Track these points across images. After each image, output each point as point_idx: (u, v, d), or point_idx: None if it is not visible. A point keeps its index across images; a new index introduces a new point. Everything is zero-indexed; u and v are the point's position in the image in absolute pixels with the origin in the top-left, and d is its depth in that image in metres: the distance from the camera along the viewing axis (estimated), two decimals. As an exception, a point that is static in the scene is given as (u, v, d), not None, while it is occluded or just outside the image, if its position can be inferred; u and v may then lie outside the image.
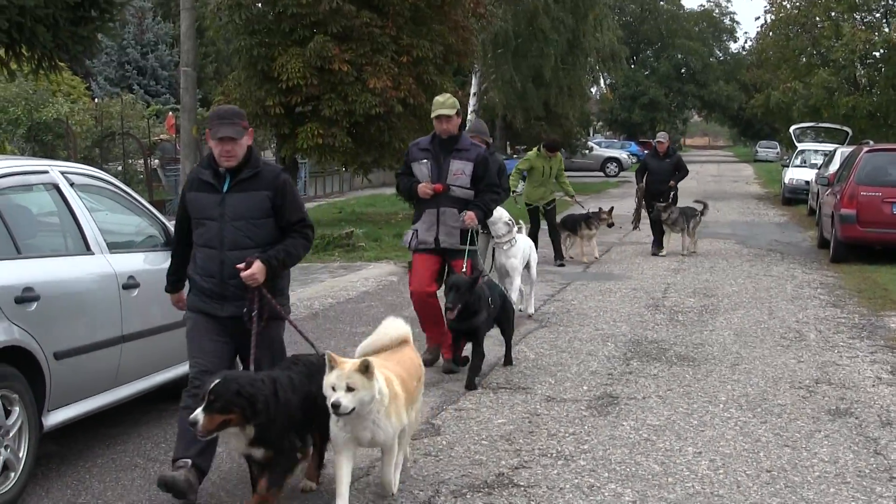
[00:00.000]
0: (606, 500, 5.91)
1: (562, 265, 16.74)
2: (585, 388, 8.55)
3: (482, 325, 8.64)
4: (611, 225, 18.14)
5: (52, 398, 6.07)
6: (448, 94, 9.28)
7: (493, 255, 11.71)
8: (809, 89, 34.52)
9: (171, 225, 7.76)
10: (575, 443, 7.01)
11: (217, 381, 5.27)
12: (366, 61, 20.64)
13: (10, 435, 5.72)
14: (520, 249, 11.48)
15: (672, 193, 18.51)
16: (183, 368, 7.59)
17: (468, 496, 5.96)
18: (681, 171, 18.81)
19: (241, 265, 5.77)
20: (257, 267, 5.77)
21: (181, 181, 20.04)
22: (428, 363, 8.66)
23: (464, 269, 8.76)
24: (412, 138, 23.12)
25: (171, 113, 29.77)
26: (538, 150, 16.92)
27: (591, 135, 67.71)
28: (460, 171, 8.85)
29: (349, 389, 5.20)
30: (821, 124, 34.79)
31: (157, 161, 25.89)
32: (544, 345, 10.30)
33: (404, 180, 9.19)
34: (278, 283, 6.12)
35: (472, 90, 37.39)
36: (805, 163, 31.92)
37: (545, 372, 9.11)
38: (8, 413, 5.71)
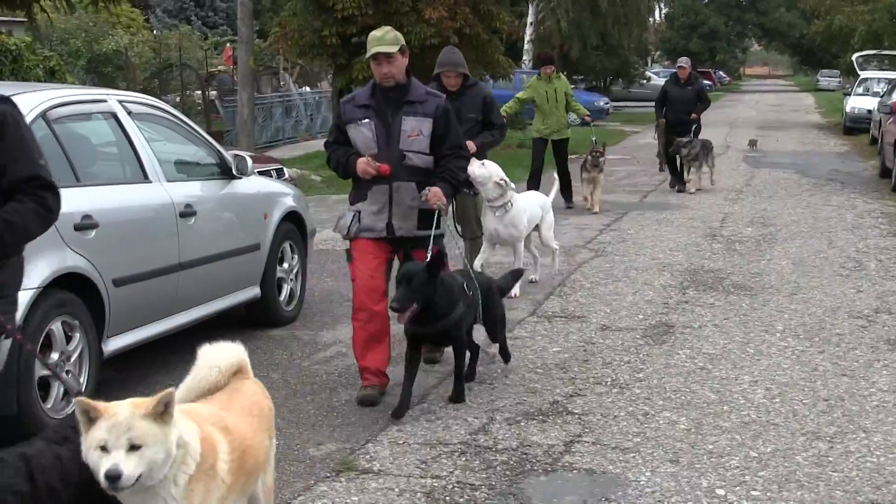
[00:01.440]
0: (661, 427, 5.91)
1: (570, 207, 15.20)
2: (641, 316, 8.52)
3: (457, 324, 6.26)
4: (597, 165, 14.89)
5: (111, 325, 6.16)
6: (387, 28, 6.82)
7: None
8: (874, 14, 33.71)
9: (228, 155, 7.82)
10: (630, 371, 7.01)
11: None
12: (421, -9, 20.48)
13: (72, 360, 5.82)
14: (519, 214, 9.19)
15: (695, 126, 17.23)
16: (239, 296, 7.70)
17: (522, 423, 5.99)
18: (703, 101, 17.45)
19: None
20: None
21: (238, 113, 20.12)
22: (366, 402, 6.37)
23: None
24: (470, 69, 23.18)
25: (228, 44, 29.82)
26: (538, 74, 15.17)
27: (650, 65, 66.82)
28: (416, 131, 6.45)
29: (133, 447, 3.23)
30: (884, 51, 34.01)
31: (214, 92, 25.98)
32: (599, 273, 10.27)
33: (336, 152, 6.62)
34: None
35: (529, 20, 37.04)
36: (867, 91, 31.27)
37: (600, 301, 9.09)
38: (69, 339, 5.81)
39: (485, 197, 8.97)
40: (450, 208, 7.54)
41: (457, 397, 6.35)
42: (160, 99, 8.25)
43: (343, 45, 21.01)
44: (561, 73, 14.80)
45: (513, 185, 9.08)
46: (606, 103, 37.53)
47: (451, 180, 6.58)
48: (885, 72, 33.04)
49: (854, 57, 34.26)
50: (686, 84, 17.16)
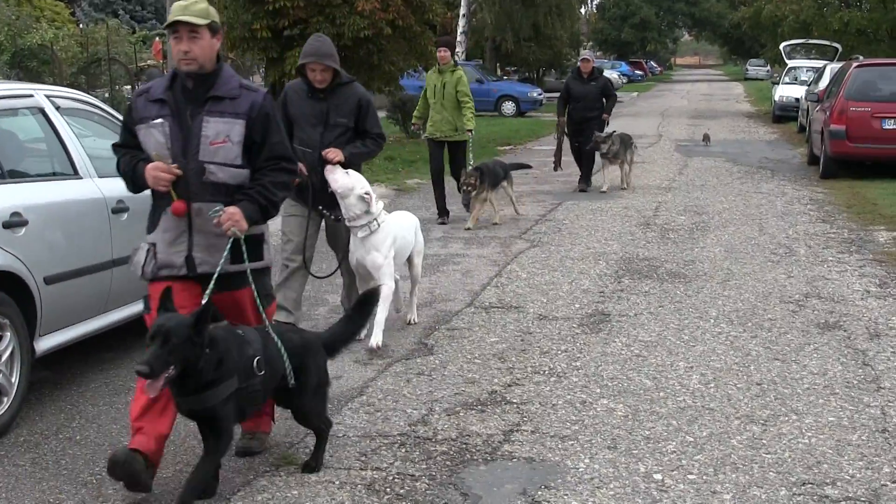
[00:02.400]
0: (599, 415, 5.96)
1: (442, 223, 13.13)
2: (577, 305, 8.58)
3: (223, 405, 4.66)
4: (469, 190, 12.66)
5: (43, 323, 6.06)
6: None
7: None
8: (801, 3, 34.20)
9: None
10: (567, 360, 7.05)
11: None
12: (353, -18, 20.41)
13: (2, 360, 5.71)
14: (384, 237, 7.44)
15: (612, 131, 15.89)
16: (175, 292, 7.62)
17: (461, 414, 6.00)
18: (609, 98, 16.07)
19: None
20: None
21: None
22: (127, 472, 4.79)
23: (257, 305, 5.12)
24: (402, 61, 23.27)
25: (157, 38, 29.49)
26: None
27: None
28: (221, 136, 4.98)
29: None
30: (811, 41, 34.54)
31: (143, 87, 25.65)
32: (536, 264, 10.32)
33: (125, 157, 5.17)
34: None
35: (462, 11, 37.08)
36: (795, 80, 31.79)
37: (537, 290, 9.14)
38: None
39: (345, 214, 7.31)
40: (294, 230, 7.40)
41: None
42: (89, 94, 8.11)
43: (274, 38, 20.91)
44: (459, 66, 13.15)
45: (381, 203, 7.49)
46: (540, 94, 37.73)
47: (259, 199, 5.01)
48: (812, 61, 33.58)
49: (782, 46, 34.72)
50: (590, 79, 15.76)
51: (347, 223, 7.36)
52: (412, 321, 8.08)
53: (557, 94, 17.36)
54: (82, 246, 6.44)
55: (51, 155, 6.62)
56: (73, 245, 6.35)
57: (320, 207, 7.44)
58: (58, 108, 6.70)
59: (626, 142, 16.08)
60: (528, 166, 15.62)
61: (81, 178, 6.60)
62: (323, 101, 7.34)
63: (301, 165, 6.85)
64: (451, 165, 13.48)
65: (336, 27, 20.41)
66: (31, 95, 6.61)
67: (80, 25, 32.24)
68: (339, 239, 7.79)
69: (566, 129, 16.21)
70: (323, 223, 7.73)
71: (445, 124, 12.96)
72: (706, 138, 24.06)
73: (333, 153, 7.21)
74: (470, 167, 12.87)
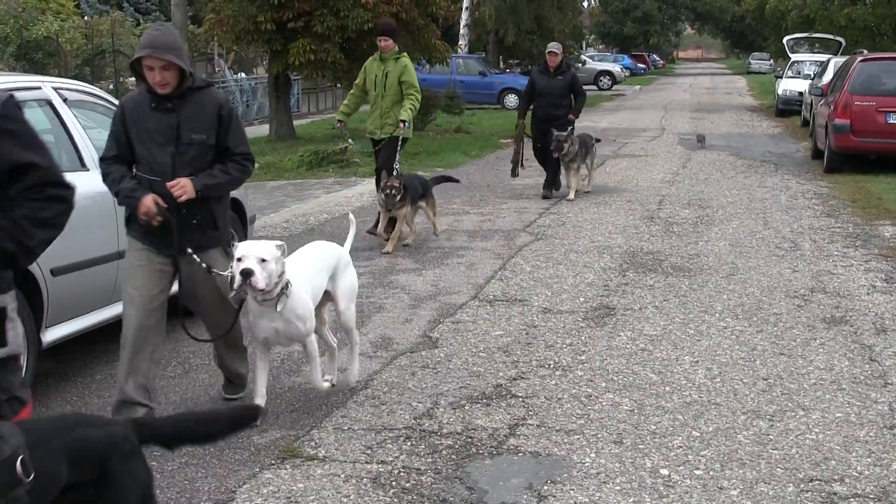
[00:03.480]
0: (604, 409, 5.95)
1: (371, 233, 11.39)
2: (582, 299, 8.57)
3: None
4: (393, 194, 10.66)
5: (49, 315, 6.07)
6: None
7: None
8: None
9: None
10: (572, 354, 7.05)
11: None
12: (357, -25, 20.39)
13: (10, 351, 5.71)
14: (302, 294, 5.67)
15: (570, 129, 14.35)
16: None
17: (466, 407, 6.00)
18: (578, 94, 14.64)
19: None
20: None
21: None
22: None
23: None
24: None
25: (160, 30, 29.42)
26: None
27: (584, 48, 67.17)
28: None
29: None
30: (814, 34, 34.48)
31: (147, 79, 25.61)
32: (540, 257, 10.31)
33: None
34: None
35: (465, 4, 37.05)
36: (798, 74, 31.69)
37: (541, 284, 9.13)
38: (6, 330, 5.70)
39: (251, 294, 5.45)
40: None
41: None
42: (93, 86, 8.09)
43: (278, 30, 20.91)
44: (404, 53, 11.41)
45: (286, 267, 5.49)
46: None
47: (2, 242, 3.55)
48: (816, 55, 33.49)
49: (785, 40, 34.67)
50: (557, 73, 14.44)
51: (258, 301, 5.50)
52: (351, 384, 6.31)
53: None
54: (89, 238, 6.44)
55: (58, 147, 6.60)
56: (80, 237, 6.33)
57: (189, 251, 5.63)
58: (65, 100, 6.71)
59: (586, 143, 14.70)
60: (455, 180, 12.91)
61: (88, 170, 6.60)
62: (171, 112, 5.52)
63: (153, 198, 5.44)
64: (377, 162, 11.65)
65: (340, 20, 20.43)
66: (39, 87, 6.60)
67: (85, 17, 32.19)
68: (204, 297, 5.91)
69: (527, 131, 14.86)
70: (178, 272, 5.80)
71: (387, 120, 11.23)
72: (701, 139, 22.20)
73: (180, 188, 5.46)
74: (395, 171, 11.06)
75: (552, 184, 14.77)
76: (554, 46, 14.72)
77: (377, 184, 11.29)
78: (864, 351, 7.04)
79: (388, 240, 10.86)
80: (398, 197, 10.61)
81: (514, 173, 15.09)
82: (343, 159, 18.37)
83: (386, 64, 11.23)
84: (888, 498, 4.74)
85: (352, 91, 11.82)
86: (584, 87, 15.52)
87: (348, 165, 18.15)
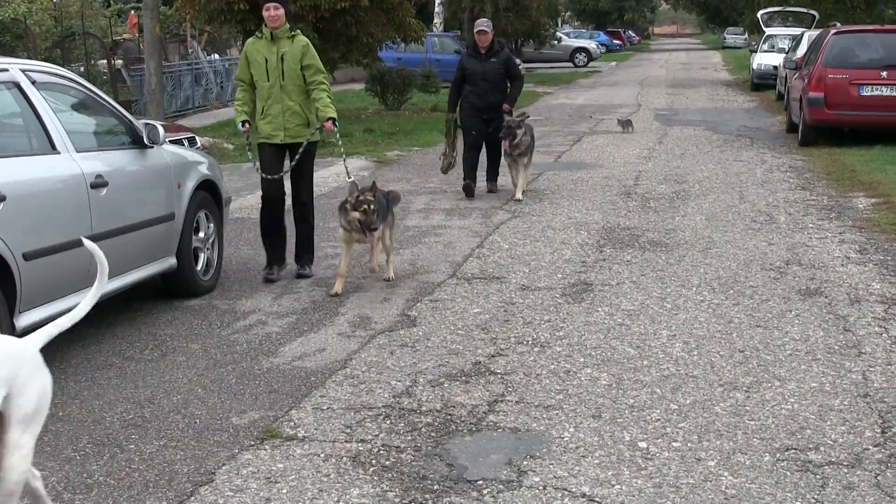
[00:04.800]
0: (583, 384, 5.97)
1: (270, 278, 8.63)
2: (560, 275, 8.58)
3: None
4: (371, 212, 8.01)
5: (23, 299, 6.02)
6: None
7: None
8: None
9: (138, 124, 7.66)
10: (550, 330, 7.06)
11: None
12: (330, -47, 20.25)
13: (-16, 337, 5.68)
14: None
15: (523, 114, 12.98)
16: (154, 267, 7.59)
17: (446, 385, 6.00)
18: (514, 79, 12.75)
19: None
20: None
21: (146, 81, 19.77)
22: None
23: None
24: (380, 32, 23.11)
25: (132, 12, 29.22)
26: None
27: (560, 25, 67.08)
28: None
29: None
30: (788, 8, 34.55)
31: (120, 61, 25.46)
32: (517, 234, 10.32)
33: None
34: None
35: (439, -19, 36.89)
36: (773, 48, 31.79)
37: (519, 261, 9.13)
38: (-20, 315, 5.67)
39: None
40: None
41: None
42: (64, 69, 7.99)
43: (251, 10, 20.71)
44: (298, 30, 8.67)
45: None
46: (518, 64, 37.64)
47: None
48: (790, 28, 33.57)
49: (759, 14, 34.73)
50: (489, 55, 12.51)
51: None
52: None
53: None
54: (61, 221, 6.38)
55: (27, 130, 6.54)
56: (52, 220, 6.30)
57: None
58: (34, 82, 6.62)
59: (532, 135, 12.84)
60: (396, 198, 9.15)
61: (59, 153, 6.54)
62: None
63: None
64: (294, 183, 8.73)
65: (313, -1, 20.31)
66: (7, 70, 6.52)
67: (54, -1, 31.93)
68: None
69: (458, 122, 12.78)
70: None
71: (292, 118, 8.55)
72: (627, 125, 20.16)
73: None
74: (351, 181, 8.38)
75: (493, 176, 13.09)
76: (483, 24, 12.61)
77: (265, 217, 8.76)
78: (839, 321, 7.09)
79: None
80: (374, 213, 8.04)
81: (447, 167, 13.11)
82: (319, 140, 18.29)
83: (278, 44, 8.46)
84: (861, 465, 4.77)
85: (240, 87, 8.72)
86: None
87: (324, 145, 18.05)
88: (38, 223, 6.16)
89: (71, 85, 7.24)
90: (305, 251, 8.83)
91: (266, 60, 8.45)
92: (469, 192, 12.58)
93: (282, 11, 8.38)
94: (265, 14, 8.41)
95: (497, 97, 12.49)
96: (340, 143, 9.04)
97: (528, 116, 13.28)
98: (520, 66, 14.34)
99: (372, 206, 7.99)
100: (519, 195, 12.36)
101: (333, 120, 8.43)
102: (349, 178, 8.51)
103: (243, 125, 8.64)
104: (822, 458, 4.86)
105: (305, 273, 8.70)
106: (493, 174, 13.09)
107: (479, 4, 40.24)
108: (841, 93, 16.46)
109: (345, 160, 8.95)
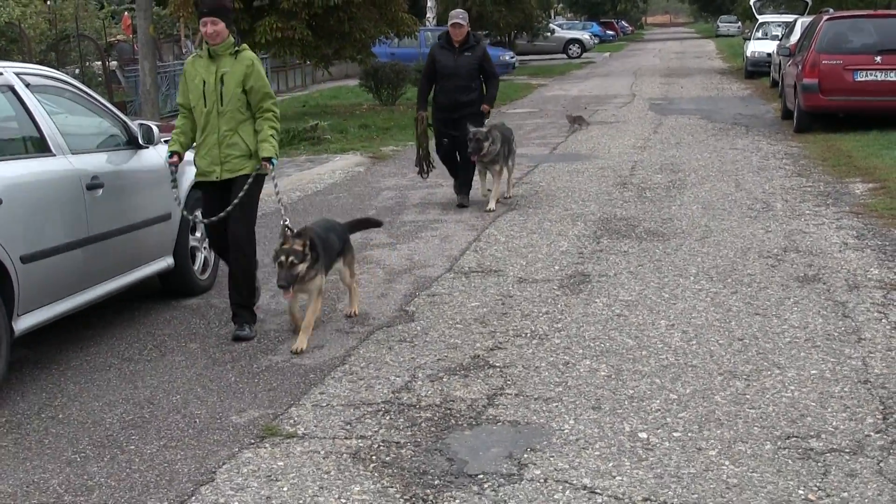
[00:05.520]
0: (582, 375, 5.97)
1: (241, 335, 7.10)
2: (557, 267, 8.58)
3: None
4: (291, 264, 6.62)
5: (21, 302, 6.02)
6: None
7: None
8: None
9: (133, 125, 7.65)
10: (549, 322, 7.05)
11: None
12: (322, -51, 20.20)
13: (-18, 340, 5.68)
14: None
15: (484, 122, 11.46)
16: (151, 267, 7.58)
17: (444, 379, 6.00)
18: (490, 77, 11.47)
19: None
20: None
21: (141, 82, 19.74)
22: None
23: None
24: (373, 28, 23.08)
25: (126, 13, 29.18)
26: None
27: (553, 17, 67.01)
28: None
29: None
30: (781, -5, 34.59)
31: (114, 63, 25.44)
32: (514, 227, 10.31)
33: None
34: None
35: (430, -24, 36.83)
36: (766, 35, 31.78)
37: (516, 254, 9.13)
38: (-22, 319, 5.67)
39: None
40: None
41: None
42: (59, 71, 7.96)
43: (245, 9, 20.74)
44: (244, 46, 7.31)
45: None
46: (512, 57, 37.62)
47: None
48: (783, 15, 33.57)
49: (752, 1, 34.74)
50: (463, 48, 11.35)
51: None
52: None
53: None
54: (58, 223, 6.38)
55: (22, 133, 6.53)
56: (49, 223, 6.29)
57: None
58: (28, 85, 6.62)
59: (507, 139, 11.74)
60: (377, 224, 8.37)
61: (55, 155, 6.53)
62: None
63: None
64: (232, 224, 7.07)
65: (305, -6, 20.28)
66: (1, 73, 6.51)
67: (48, 2, 31.89)
68: None
69: (429, 122, 11.73)
70: None
71: (230, 150, 7.06)
72: (577, 121, 18.91)
73: None
74: (284, 222, 6.90)
75: (465, 189, 11.82)
76: (458, 16, 11.42)
77: (240, 245, 7.11)
78: (838, 308, 7.08)
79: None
80: (306, 265, 6.69)
81: (425, 173, 12.04)
82: (314, 136, 18.29)
83: (218, 62, 7.14)
84: (863, 451, 4.77)
85: (181, 113, 7.33)
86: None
87: (320, 143, 18.07)
88: (34, 226, 6.15)
89: (65, 87, 7.23)
90: (243, 304, 7.12)
91: (204, 82, 7.09)
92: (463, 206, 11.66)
93: (221, 26, 7.07)
94: (202, 31, 7.18)
95: (467, 95, 11.34)
96: (276, 186, 7.42)
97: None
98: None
99: (291, 259, 6.61)
100: (491, 205, 11.30)
101: (270, 161, 7.00)
102: (283, 219, 6.96)
103: (171, 156, 7.14)
104: (824, 446, 4.86)
105: (244, 334, 6.99)
106: (463, 185, 11.82)
107: (471, -2, 40.19)
108: (835, 79, 16.43)
109: (278, 194, 7.43)
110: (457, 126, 11.35)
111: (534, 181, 13.26)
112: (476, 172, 11.78)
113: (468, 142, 11.10)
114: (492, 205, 11.32)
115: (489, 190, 11.64)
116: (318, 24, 20.93)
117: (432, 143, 11.87)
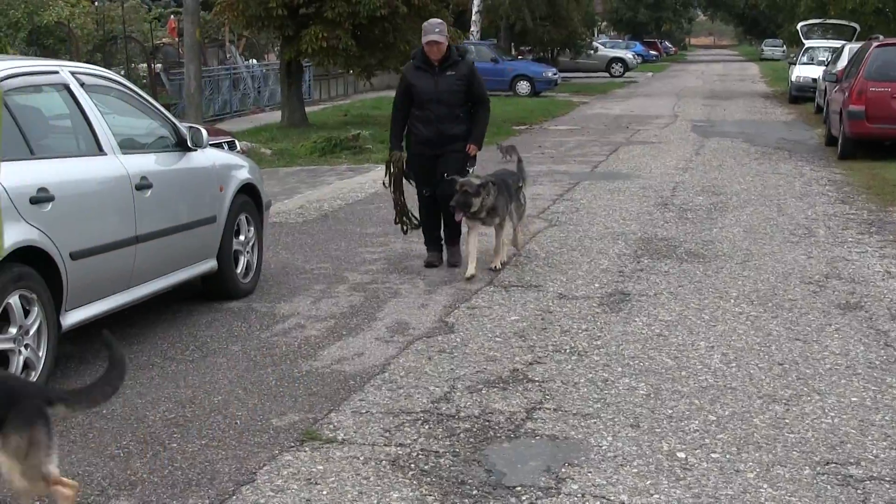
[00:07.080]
0: (621, 393, 5.97)
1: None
2: (597, 285, 8.58)
3: None
4: None
5: (69, 298, 6.11)
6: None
7: None
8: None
9: (182, 127, 7.74)
10: (588, 339, 7.07)
11: None
12: (369, -39, 20.33)
13: (30, 334, 5.77)
14: None
15: (469, 169, 9.20)
16: (196, 269, 7.66)
17: (483, 391, 6.02)
18: (479, 103, 9.22)
19: None
20: None
21: (185, 85, 19.93)
22: None
23: None
24: (418, 40, 23.06)
25: (172, 17, 29.47)
26: None
27: (596, 35, 67.01)
28: None
29: None
30: (828, 20, 34.34)
31: (160, 65, 25.68)
32: (554, 243, 10.32)
33: None
34: None
35: (477, -10, 36.96)
36: (812, 60, 31.60)
37: (556, 270, 9.14)
38: (27, 313, 5.75)
39: None
40: None
41: None
42: (111, 71, 8.06)
43: (290, 16, 20.90)
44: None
45: None
46: (555, 74, 37.64)
47: None
48: (830, 41, 33.36)
49: (799, 26, 34.57)
50: (444, 67, 9.10)
51: None
52: None
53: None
54: (107, 222, 6.48)
55: (75, 131, 6.64)
56: (98, 221, 6.38)
57: None
58: (83, 84, 6.71)
59: (507, 186, 9.26)
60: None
61: (106, 154, 6.62)
62: None
63: None
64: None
65: (351, 6, 20.42)
66: (57, 72, 6.62)
67: (96, 3, 32.22)
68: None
69: (403, 166, 9.45)
70: None
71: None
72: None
73: None
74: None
75: (454, 239, 9.47)
76: (435, 29, 9.06)
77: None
78: (880, 336, 7.05)
79: None
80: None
81: (404, 230, 9.82)
82: (356, 146, 18.39)
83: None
84: (905, 481, 4.76)
85: None
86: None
87: (361, 152, 18.16)
88: (84, 223, 6.24)
89: (117, 87, 7.33)
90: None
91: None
92: (433, 265, 9.35)
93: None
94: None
95: (453, 126, 9.12)
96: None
97: (510, 156, 10.17)
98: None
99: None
100: (497, 263, 9.18)
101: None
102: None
103: None
104: (864, 473, 4.84)
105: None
106: (450, 237, 9.48)
107: (515, 13, 40.32)
108: (882, 106, 16.35)
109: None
110: (438, 168, 9.17)
111: (575, 198, 13.27)
112: (465, 231, 9.31)
113: (455, 194, 8.77)
114: (497, 262, 9.19)
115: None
116: (363, 35, 21.07)
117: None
